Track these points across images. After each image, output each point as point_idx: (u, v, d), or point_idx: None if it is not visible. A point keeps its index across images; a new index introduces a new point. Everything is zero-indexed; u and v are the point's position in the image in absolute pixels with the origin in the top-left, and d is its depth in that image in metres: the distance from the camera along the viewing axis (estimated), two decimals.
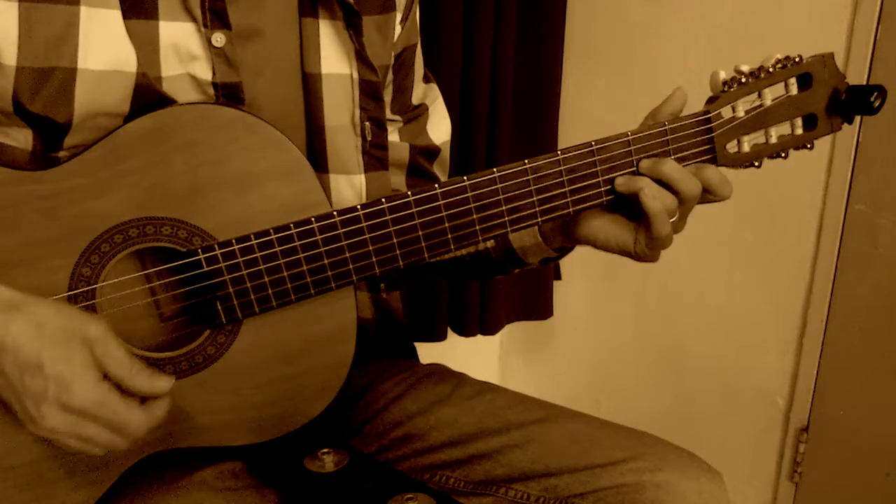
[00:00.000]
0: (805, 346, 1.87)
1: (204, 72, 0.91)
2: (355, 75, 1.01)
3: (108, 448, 0.83)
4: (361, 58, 1.00)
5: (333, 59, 1.00)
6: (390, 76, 1.09)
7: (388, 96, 1.10)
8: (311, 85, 1.00)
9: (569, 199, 0.94)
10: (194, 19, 0.90)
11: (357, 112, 1.02)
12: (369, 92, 1.02)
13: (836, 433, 1.88)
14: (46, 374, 0.77)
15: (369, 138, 1.03)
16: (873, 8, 1.63)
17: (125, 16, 0.87)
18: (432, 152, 1.17)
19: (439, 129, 1.19)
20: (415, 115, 1.16)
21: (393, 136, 1.12)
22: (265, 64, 0.97)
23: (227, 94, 0.92)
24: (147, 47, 0.89)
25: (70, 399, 0.77)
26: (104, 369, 0.80)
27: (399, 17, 1.08)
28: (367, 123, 1.02)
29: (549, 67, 1.99)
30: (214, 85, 0.92)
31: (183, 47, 0.90)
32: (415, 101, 1.16)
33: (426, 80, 1.19)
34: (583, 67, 2.05)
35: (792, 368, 1.90)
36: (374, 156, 1.04)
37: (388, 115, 1.10)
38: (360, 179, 1.03)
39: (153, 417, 0.83)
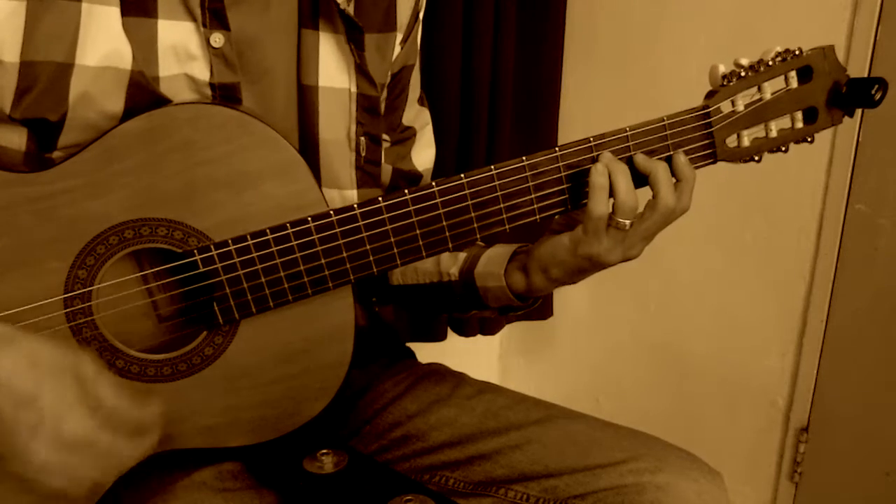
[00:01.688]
0: (805, 346, 1.87)
1: (202, 72, 0.91)
2: (354, 89, 1.00)
3: (93, 482, 0.81)
4: (362, 71, 1.00)
5: (332, 73, 0.99)
6: (384, 94, 1.09)
7: (381, 113, 1.09)
8: (306, 97, 1.00)
9: (567, 196, 0.93)
10: (194, 18, 0.90)
11: (353, 127, 1.01)
12: (367, 107, 1.01)
13: (836, 433, 1.88)
14: (42, 407, 0.75)
15: (363, 154, 1.02)
16: (873, 7, 1.62)
17: (124, 13, 0.87)
18: (413, 177, 1.17)
19: (423, 155, 1.18)
20: (402, 138, 1.16)
21: None
22: (262, 72, 0.97)
23: (225, 94, 0.92)
24: (145, 47, 0.88)
25: (64, 433, 0.76)
26: (96, 403, 0.79)
27: (400, 37, 1.07)
28: (363, 139, 1.02)
29: (549, 67, 1.99)
30: (212, 85, 0.92)
31: (181, 47, 0.90)
32: (405, 121, 1.16)
33: (420, 102, 1.18)
34: (583, 67, 2.05)
35: (792, 368, 1.90)
36: (368, 172, 1.04)
37: None
38: (353, 195, 1.02)
39: (141, 448, 0.82)
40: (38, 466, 0.77)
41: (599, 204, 0.90)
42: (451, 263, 1.09)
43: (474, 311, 1.12)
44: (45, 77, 0.84)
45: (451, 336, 2.02)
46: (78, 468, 0.79)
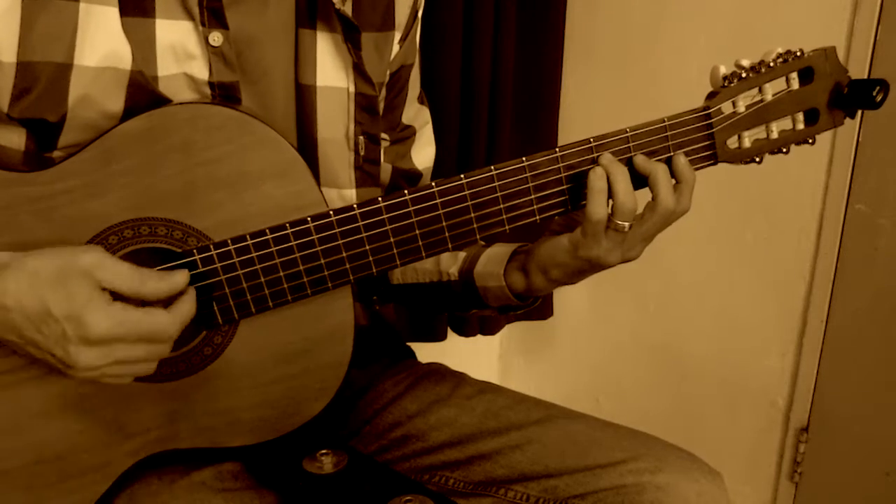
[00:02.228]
0: (805, 346, 1.87)
1: (201, 71, 0.91)
2: (352, 89, 1.00)
3: (152, 359, 0.82)
4: (359, 71, 1.00)
5: (330, 72, 0.99)
6: (383, 93, 1.08)
7: (380, 112, 1.09)
8: (304, 96, 1.00)
9: (567, 197, 0.93)
10: (192, 18, 0.90)
11: (352, 126, 1.01)
12: (365, 106, 1.01)
13: (836, 433, 1.88)
14: (56, 316, 0.77)
15: (362, 153, 1.02)
16: (873, 7, 1.62)
17: (122, 13, 0.86)
18: (413, 176, 1.17)
19: (423, 153, 1.18)
20: (402, 137, 1.16)
21: None
22: (260, 72, 0.97)
23: (224, 93, 0.92)
24: (144, 46, 0.88)
25: (88, 332, 0.77)
26: (111, 288, 0.79)
27: (398, 36, 1.07)
28: (361, 138, 1.02)
29: (549, 67, 1.99)
30: (211, 84, 0.92)
31: (180, 47, 0.90)
32: (405, 120, 1.16)
33: (420, 100, 1.18)
34: (583, 67, 2.05)
35: (792, 368, 1.90)
36: (367, 171, 1.04)
37: None
38: (352, 194, 1.02)
39: (180, 314, 0.83)
40: (88, 367, 0.79)
41: (598, 207, 0.90)
42: (450, 263, 1.09)
43: (474, 310, 1.12)
44: (44, 78, 0.84)
45: (451, 336, 2.02)
46: (130, 357, 0.80)
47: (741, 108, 0.94)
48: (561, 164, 0.92)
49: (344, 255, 0.90)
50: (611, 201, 0.91)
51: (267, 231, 0.87)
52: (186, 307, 0.84)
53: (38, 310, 0.77)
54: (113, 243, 0.86)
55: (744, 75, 0.93)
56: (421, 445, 1.08)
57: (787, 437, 1.95)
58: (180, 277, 0.84)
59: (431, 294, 1.13)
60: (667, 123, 0.93)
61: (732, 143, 0.96)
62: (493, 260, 1.05)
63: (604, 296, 2.16)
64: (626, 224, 0.91)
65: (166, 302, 0.83)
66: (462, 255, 1.09)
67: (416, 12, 1.09)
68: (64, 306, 0.77)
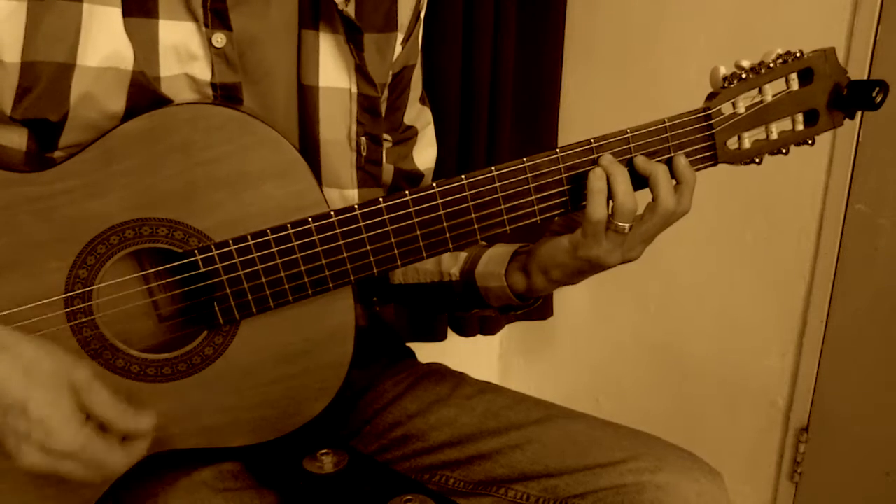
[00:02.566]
0: (805, 346, 1.87)
1: (203, 72, 0.91)
2: (354, 90, 1.00)
3: (86, 481, 0.83)
4: (362, 72, 1.00)
5: (332, 73, 0.99)
6: (385, 94, 1.09)
7: (382, 113, 1.09)
8: (307, 97, 1.00)
9: (567, 198, 0.93)
10: (195, 18, 0.90)
11: (353, 127, 1.01)
12: (367, 107, 1.01)
13: (836, 433, 1.88)
14: (31, 417, 0.77)
15: (364, 154, 1.02)
16: (873, 7, 1.62)
17: (125, 13, 0.87)
18: (415, 177, 1.17)
19: (425, 154, 1.18)
20: (404, 138, 1.16)
21: None
22: (263, 72, 0.97)
23: (226, 94, 0.92)
24: (146, 47, 0.88)
25: (53, 443, 0.78)
26: (89, 412, 0.80)
27: (401, 37, 1.07)
28: (363, 139, 1.02)
29: (549, 67, 1.98)
30: (213, 85, 0.92)
31: (182, 47, 0.90)
32: (407, 120, 1.16)
33: (422, 101, 1.18)
34: (583, 67, 2.04)
35: (792, 368, 1.90)
36: (369, 172, 1.04)
37: None
38: (354, 195, 1.02)
39: (131, 456, 0.84)
40: (29, 468, 0.79)
41: (598, 208, 0.90)
42: (452, 263, 1.09)
43: (476, 309, 1.12)
44: (46, 77, 0.84)
45: (451, 336, 2.02)
46: (71, 473, 0.81)
47: (741, 109, 0.94)
48: (561, 165, 0.92)
49: (345, 255, 0.90)
50: (611, 202, 0.91)
51: (268, 231, 0.88)
52: (140, 451, 0.85)
53: (16, 401, 0.77)
54: (114, 243, 0.86)
55: (744, 76, 0.93)
56: (421, 445, 1.08)
57: (787, 437, 1.95)
58: (148, 422, 0.84)
59: (433, 294, 1.13)
60: (667, 124, 0.93)
61: (732, 143, 0.96)
62: (494, 260, 1.05)
63: (604, 296, 2.16)
64: (626, 225, 0.91)
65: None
66: (463, 255, 1.09)
67: (419, 13, 1.09)
68: (43, 411, 0.77)
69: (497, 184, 0.91)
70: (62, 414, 0.78)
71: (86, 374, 0.80)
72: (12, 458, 0.79)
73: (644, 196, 0.93)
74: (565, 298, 2.18)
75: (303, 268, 0.89)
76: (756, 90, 0.94)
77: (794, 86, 0.95)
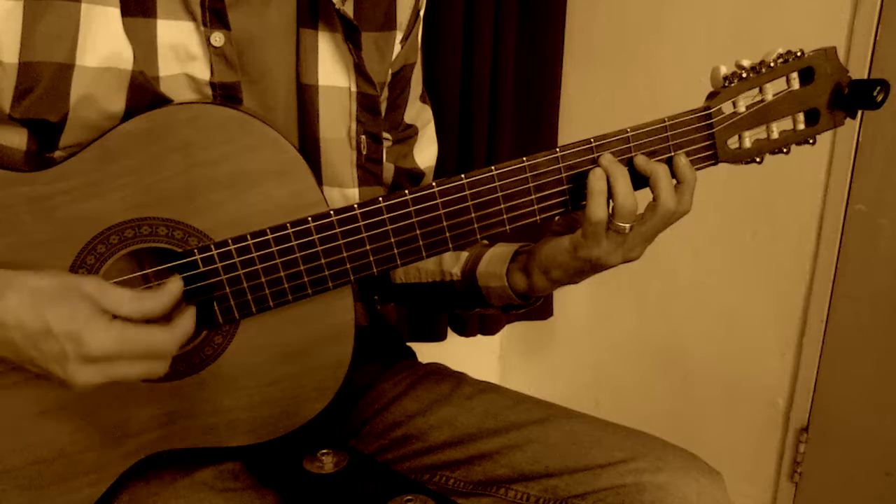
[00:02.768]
0: (805, 346, 1.87)
1: (202, 72, 0.91)
2: (353, 88, 1.00)
3: (150, 376, 0.82)
4: (360, 71, 1.00)
5: (331, 72, 0.99)
6: (385, 93, 1.09)
7: (381, 112, 1.09)
8: (306, 96, 1.00)
9: (567, 198, 0.93)
10: (194, 18, 0.90)
11: (353, 125, 1.01)
12: (367, 105, 1.01)
13: (836, 433, 1.88)
14: (56, 334, 0.77)
15: (364, 152, 1.02)
16: (873, 7, 1.62)
17: (124, 13, 0.87)
18: (416, 176, 1.17)
19: (426, 153, 1.18)
20: (404, 136, 1.16)
21: None
22: (262, 72, 0.97)
23: (226, 93, 0.92)
24: (145, 46, 0.88)
25: (88, 350, 0.77)
26: (113, 311, 0.79)
27: (400, 36, 1.07)
28: (363, 137, 1.02)
29: (549, 67, 1.99)
30: (212, 85, 0.92)
31: (181, 47, 0.90)
32: (408, 119, 1.16)
33: (422, 99, 1.18)
34: (583, 67, 2.05)
35: (792, 369, 1.90)
36: (369, 170, 1.04)
37: None
38: (354, 193, 1.02)
39: (179, 329, 0.83)
40: (85, 385, 0.79)
41: (598, 208, 0.90)
42: (453, 263, 1.09)
43: (477, 308, 1.12)
44: (45, 78, 0.84)
45: (451, 336, 2.02)
46: (128, 373, 0.80)
47: (741, 109, 0.94)
48: (561, 165, 0.92)
49: (345, 254, 0.90)
50: (611, 202, 0.91)
51: (267, 231, 0.87)
52: (186, 322, 0.84)
53: (37, 327, 0.77)
54: (114, 243, 0.86)
55: (744, 75, 0.93)
56: (421, 445, 1.08)
57: (787, 437, 1.95)
58: (173, 285, 0.83)
59: (434, 294, 1.13)
60: (667, 123, 0.93)
61: (733, 143, 0.96)
62: (495, 260, 1.05)
63: (604, 296, 2.16)
64: (627, 225, 0.91)
65: (168, 316, 0.83)
66: (465, 254, 1.09)
67: (418, 12, 1.09)
68: (64, 324, 0.77)
69: (497, 183, 0.91)
70: (83, 319, 0.77)
71: (95, 283, 0.79)
72: (70, 385, 0.79)
73: (644, 196, 0.93)
74: (565, 299, 2.18)
75: (302, 267, 0.89)
76: (756, 89, 0.94)
77: (795, 85, 0.95)
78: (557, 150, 0.91)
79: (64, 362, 0.78)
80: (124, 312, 0.80)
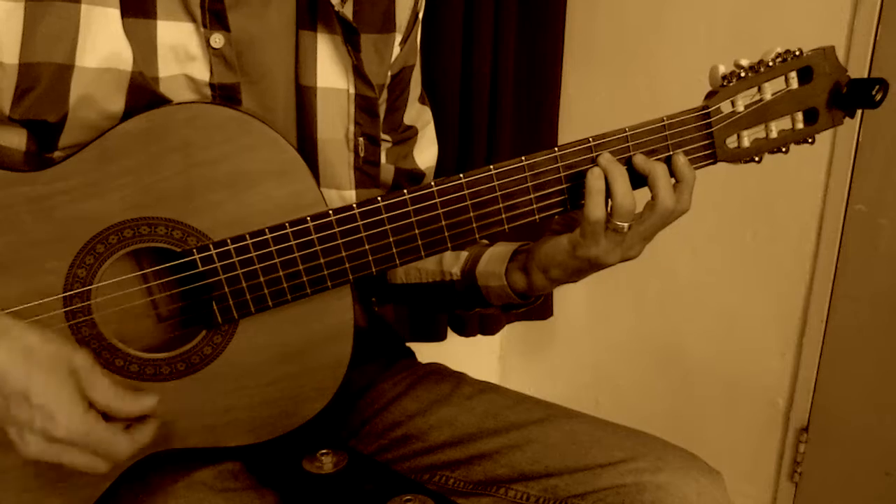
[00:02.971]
0: (805, 346, 1.87)
1: (201, 73, 0.91)
2: (352, 90, 1.00)
3: (90, 471, 0.82)
4: (359, 73, 1.00)
5: (330, 74, 0.99)
6: (384, 95, 1.09)
7: (380, 114, 1.09)
8: (305, 97, 1.00)
9: (566, 197, 0.93)
10: (193, 19, 0.90)
11: (351, 127, 1.01)
12: (365, 107, 1.01)
13: (836, 433, 1.88)
14: (33, 403, 0.77)
15: (362, 154, 1.02)
16: (873, 7, 1.62)
17: (124, 14, 0.87)
18: (416, 176, 1.17)
19: (426, 153, 1.18)
20: (404, 138, 1.16)
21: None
22: (261, 73, 0.97)
23: (225, 94, 0.92)
24: (144, 47, 0.88)
25: (55, 430, 0.77)
26: (90, 398, 0.80)
27: (399, 38, 1.07)
28: (361, 139, 1.02)
29: (549, 67, 1.99)
30: (212, 86, 0.92)
31: (181, 48, 0.90)
32: (407, 121, 1.16)
33: (421, 100, 1.18)
34: (583, 67, 2.05)
35: (792, 369, 1.90)
36: (366, 172, 1.04)
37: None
38: (352, 195, 1.02)
39: (137, 442, 0.83)
40: (33, 457, 0.79)
41: (596, 208, 0.90)
42: (453, 262, 1.09)
43: (477, 308, 1.12)
44: (45, 78, 0.84)
45: (451, 336, 2.02)
46: (75, 462, 0.80)
47: (740, 108, 0.94)
48: (560, 164, 0.92)
49: (343, 254, 0.90)
50: (610, 201, 0.91)
51: (266, 231, 0.87)
52: (144, 437, 0.84)
53: (17, 389, 0.76)
54: (113, 243, 0.86)
55: (743, 75, 0.93)
56: (421, 445, 1.08)
57: (787, 437, 1.95)
58: (150, 401, 0.84)
59: (435, 294, 1.13)
60: (666, 123, 0.93)
61: (732, 142, 0.96)
62: (494, 259, 1.05)
63: (603, 296, 2.16)
64: (625, 224, 0.91)
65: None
66: (464, 254, 1.09)
67: (417, 14, 1.09)
68: (44, 398, 0.77)
69: (495, 182, 0.91)
70: (64, 400, 0.78)
71: (86, 360, 0.80)
72: (16, 448, 0.79)
73: (644, 195, 0.93)
74: (565, 299, 2.18)
75: (301, 267, 0.89)
76: (755, 89, 0.94)
77: (794, 84, 0.95)
78: (556, 149, 0.91)
79: (25, 431, 0.78)
80: (97, 401, 0.80)
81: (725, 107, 0.94)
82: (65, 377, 0.78)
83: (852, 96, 0.95)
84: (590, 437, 1.02)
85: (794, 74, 0.95)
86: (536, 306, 1.09)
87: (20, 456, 0.79)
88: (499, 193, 0.91)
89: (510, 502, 1.02)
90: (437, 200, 0.90)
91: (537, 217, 0.93)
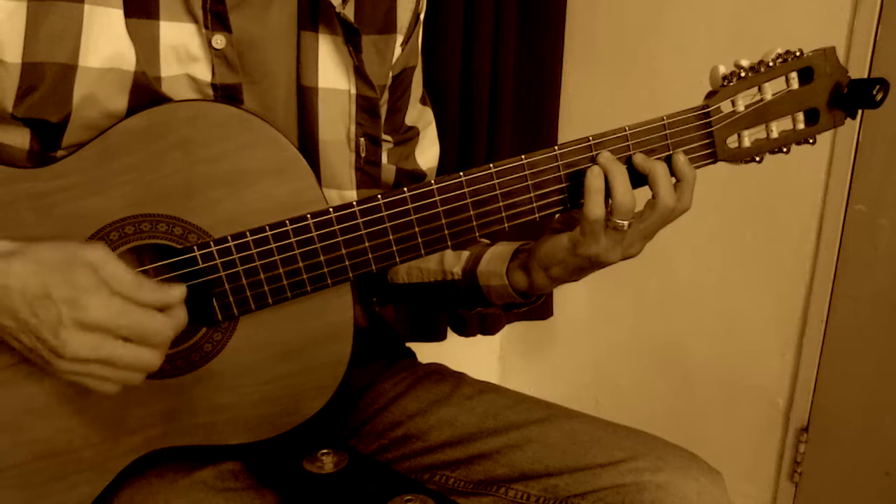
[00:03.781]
0: (805, 346, 1.87)
1: (203, 73, 0.91)
2: (353, 91, 1.00)
3: (140, 365, 0.81)
4: (360, 74, 1.00)
5: (331, 74, 1.00)
6: (386, 95, 1.09)
7: (381, 115, 1.09)
8: (306, 98, 1.00)
9: (566, 195, 0.93)
10: (195, 20, 0.90)
11: (352, 128, 1.01)
12: (366, 108, 1.02)
13: (836, 433, 1.88)
14: (55, 299, 0.76)
15: (363, 155, 1.02)
16: (873, 7, 1.62)
17: (127, 14, 0.87)
18: (417, 177, 1.17)
19: (427, 154, 1.19)
20: (406, 138, 1.16)
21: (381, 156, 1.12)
22: (262, 73, 0.97)
23: (227, 95, 0.92)
24: (147, 47, 0.89)
25: (86, 315, 0.77)
26: (111, 289, 0.78)
27: (400, 39, 1.07)
28: (362, 140, 1.02)
29: (549, 67, 1.99)
30: (213, 86, 0.92)
31: (183, 48, 0.90)
32: (408, 121, 1.16)
33: (423, 101, 1.18)
34: (583, 67, 2.05)
35: (792, 369, 1.90)
36: (367, 172, 1.04)
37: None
38: (353, 195, 1.02)
39: (176, 320, 0.82)
40: (74, 356, 0.78)
41: (595, 206, 0.90)
42: (454, 262, 1.10)
43: (479, 307, 1.12)
44: (48, 78, 0.84)
45: (451, 336, 2.02)
46: (119, 354, 0.79)
47: (740, 108, 0.94)
48: (560, 163, 0.92)
49: (343, 252, 0.90)
50: (609, 200, 0.91)
51: (267, 228, 0.88)
52: (181, 315, 0.83)
53: (38, 292, 0.76)
54: (114, 239, 0.86)
55: (743, 75, 0.93)
56: (421, 445, 1.08)
57: (787, 437, 1.95)
58: (177, 292, 0.83)
59: (436, 293, 1.13)
60: (665, 122, 0.93)
61: (732, 142, 0.96)
62: (495, 258, 1.05)
63: (604, 296, 2.16)
64: (625, 223, 0.91)
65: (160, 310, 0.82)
66: (466, 254, 1.09)
67: (418, 15, 1.09)
68: (65, 290, 0.76)
69: (495, 181, 0.91)
70: (86, 286, 0.77)
71: (97, 252, 0.79)
72: (57, 357, 0.78)
73: (645, 194, 0.93)
74: (565, 298, 2.18)
75: (301, 264, 0.89)
76: (756, 89, 0.94)
77: (795, 85, 0.95)
78: (556, 148, 0.91)
79: (58, 328, 0.77)
80: (119, 290, 0.79)
81: (725, 106, 0.94)
82: (81, 270, 0.77)
83: (853, 96, 0.95)
84: (590, 437, 1.02)
85: (794, 75, 0.95)
86: (537, 306, 1.09)
87: (61, 367, 0.79)
88: (499, 192, 0.91)
89: (510, 502, 1.02)
90: (437, 199, 0.90)
91: (537, 216, 0.94)
